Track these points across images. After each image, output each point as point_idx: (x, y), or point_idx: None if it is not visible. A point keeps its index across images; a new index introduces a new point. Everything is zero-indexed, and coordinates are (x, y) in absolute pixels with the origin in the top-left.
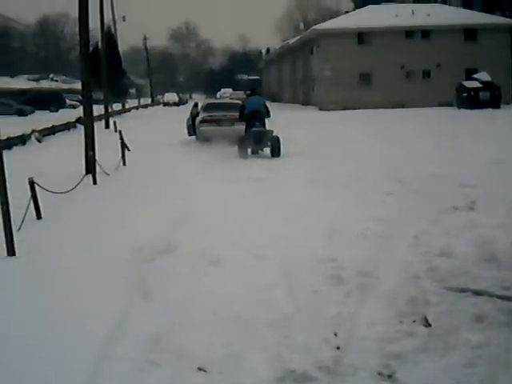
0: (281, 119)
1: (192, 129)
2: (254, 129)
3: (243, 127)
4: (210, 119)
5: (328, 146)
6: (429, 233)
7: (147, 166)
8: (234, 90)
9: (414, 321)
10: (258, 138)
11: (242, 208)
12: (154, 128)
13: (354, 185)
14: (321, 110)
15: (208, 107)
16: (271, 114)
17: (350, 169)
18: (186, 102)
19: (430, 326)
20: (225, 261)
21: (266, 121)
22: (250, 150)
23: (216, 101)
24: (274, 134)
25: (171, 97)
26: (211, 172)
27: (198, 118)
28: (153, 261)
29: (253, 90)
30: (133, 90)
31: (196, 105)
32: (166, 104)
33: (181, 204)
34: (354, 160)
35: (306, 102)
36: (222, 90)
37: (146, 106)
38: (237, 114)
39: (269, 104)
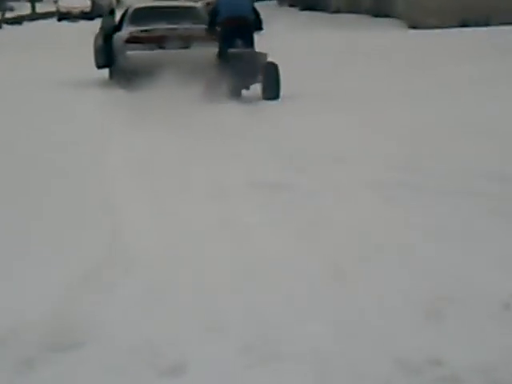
0: (318, 59)
1: (104, 56)
2: (234, 50)
3: (211, 50)
4: (145, 36)
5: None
6: None
7: (14, 152)
8: None
9: None
10: (240, 67)
11: (229, 247)
12: (36, 70)
13: (492, 193)
14: (412, 27)
15: (138, 15)
16: (263, 25)
17: (474, 153)
18: (113, 13)
19: None
20: (196, 366)
21: (255, 37)
22: (227, 89)
23: (154, 3)
24: (270, 60)
25: (75, 0)
26: (156, 168)
27: (120, 36)
28: (32, 366)
29: None
30: None
31: (112, 12)
32: (63, 16)
33: (99, 242)
34: (489, 137)
35: (380, 12)
36: None
37: (18, 21)
38: (194, 28)
39: (297, 15)
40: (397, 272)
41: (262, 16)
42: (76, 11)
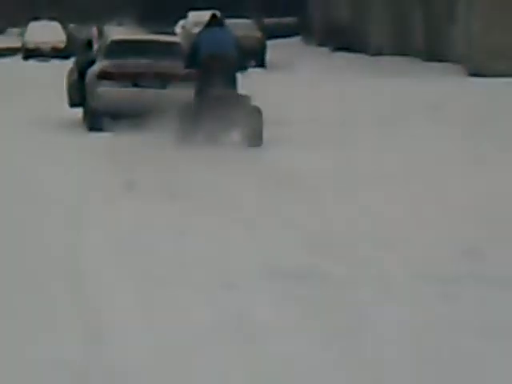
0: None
1: (78, 93)
2: (213, 90)
3: (188, 91)
4: (119, 73)
5: None
6: None
7: None
8: (223, 15)
9: None
10: (220, 110)
11: None
12: None
13: None
14: (474, 74)
15: (114, 48)
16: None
17: None
18: (90, 45)
19: None
20: None
21: (239, 78)
22: (204, 135)
23: (131, 37)
24: (253, 104)
25: (45, 33)
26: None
27: (92, 71)
28: None
29: (214, 15)
30: None
31: (89, 44)
32: (30, 54)
33: (70, 350)
34: None
35: (433, 55)
36: (193, 15)
37: None
38: (172, 65)
39: (328, 57)
40: None
41: (284, 56)
42: (47, 47)
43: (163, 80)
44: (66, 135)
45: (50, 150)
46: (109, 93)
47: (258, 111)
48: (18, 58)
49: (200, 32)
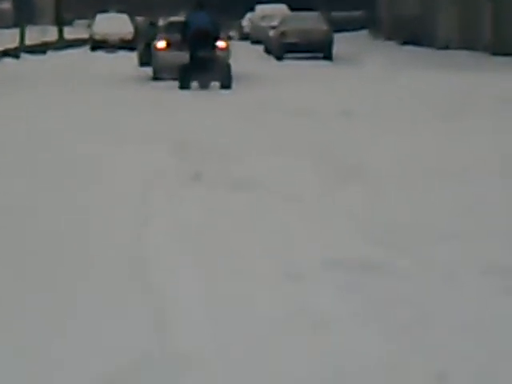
0: None
1: (145, 56)
2: (200, 54)
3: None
4: (169, 42)
5: None
6: None
7: None
8: (291, 8)
9: None
10: (205, 66)
11: None
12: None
13: None
14: None
15: (169, 27)
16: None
17: None
18: (153, 24)
19: None
20: None
21: (218, 45)
22: (195, 83)
23: (178, 19)
24: (226, 61)
25: (113, 24)
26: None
27: (154, 41)
28: None
29: (200, 2)
30: (7, 6)
31: (152, 24)
32: (97, 45)
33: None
34: None
35: (501, 49)
36: (261, 9)
37: (41, 50)
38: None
39: (396, 51)
40: None
41: (351, 49)
42: (114, 39)
43: None
44: (139, 82)
45: (127, 90)
46: (164, 56)
47: (228, 66)
48: (86, 48)
49: (189, 14)
